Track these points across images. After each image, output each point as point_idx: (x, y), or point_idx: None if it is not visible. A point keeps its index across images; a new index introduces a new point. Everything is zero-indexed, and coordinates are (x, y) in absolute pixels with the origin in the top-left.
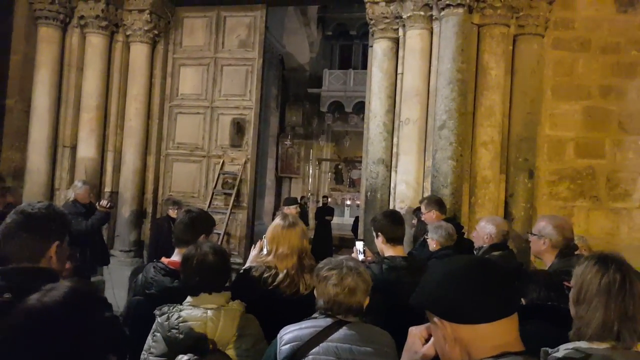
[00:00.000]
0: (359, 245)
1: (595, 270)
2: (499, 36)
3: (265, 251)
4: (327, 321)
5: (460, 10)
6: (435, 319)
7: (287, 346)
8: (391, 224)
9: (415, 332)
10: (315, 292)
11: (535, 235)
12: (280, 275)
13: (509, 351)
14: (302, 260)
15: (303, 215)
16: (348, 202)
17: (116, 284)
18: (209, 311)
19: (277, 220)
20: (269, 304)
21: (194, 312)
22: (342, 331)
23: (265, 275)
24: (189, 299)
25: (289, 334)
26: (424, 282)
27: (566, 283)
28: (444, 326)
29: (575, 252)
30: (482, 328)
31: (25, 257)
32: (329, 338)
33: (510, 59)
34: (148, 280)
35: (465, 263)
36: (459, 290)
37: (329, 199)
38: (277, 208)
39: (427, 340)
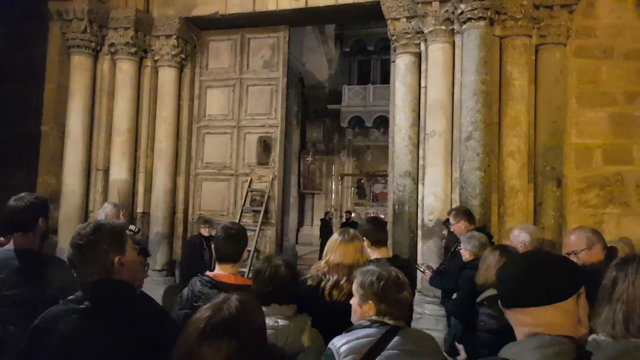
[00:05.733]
0: None
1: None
2: (521, 47)
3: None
4: (380, 329)
5: (482, 23)
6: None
7: (348, 358)
8: (375, 228)
9: None
10: (361, 304)
11: (584, 249)
12: (333, 284)
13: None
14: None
15: (328, 230)
16: None
17: None
18: (279, 321)
19: (336, 235)
20: (324, 311)
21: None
22: (398, 339)
23: (322, 284)
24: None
25: (345, 346)
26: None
27: None
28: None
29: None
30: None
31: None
32: (387, 347)
33: (534, 68)
34: (195, 294)
35: (520, 255)
36: (508, 278)
37: (353, 214)
38: (300, 224)
39: None
